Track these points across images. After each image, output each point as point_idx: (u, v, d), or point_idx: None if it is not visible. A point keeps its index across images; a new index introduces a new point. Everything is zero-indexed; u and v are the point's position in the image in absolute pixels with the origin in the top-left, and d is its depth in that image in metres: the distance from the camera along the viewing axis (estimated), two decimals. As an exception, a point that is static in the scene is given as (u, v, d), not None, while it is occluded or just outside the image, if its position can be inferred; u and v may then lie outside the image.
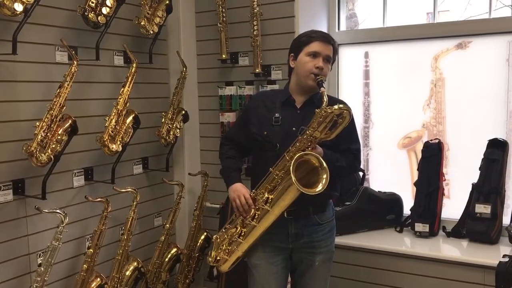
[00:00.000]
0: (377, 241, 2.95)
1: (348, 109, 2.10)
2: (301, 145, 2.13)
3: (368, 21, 3.46)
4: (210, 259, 2.36)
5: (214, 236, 2.40)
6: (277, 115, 2.30)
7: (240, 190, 2.27)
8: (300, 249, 2.34)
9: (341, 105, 2.10)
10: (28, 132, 2.37)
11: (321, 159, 2.12)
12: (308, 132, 2.11)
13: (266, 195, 2.17)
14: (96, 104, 2.80)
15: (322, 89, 2.17)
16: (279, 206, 2.16)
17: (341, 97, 3.41)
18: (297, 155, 2.09)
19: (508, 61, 2.95)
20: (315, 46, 2.26)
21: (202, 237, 3.33)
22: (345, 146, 2.31)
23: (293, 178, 2.05)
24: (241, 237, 2.25)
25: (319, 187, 2.09)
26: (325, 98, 2.10)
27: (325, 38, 2.30)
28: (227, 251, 2.30)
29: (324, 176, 2.10)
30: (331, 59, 2.31)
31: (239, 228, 2.27)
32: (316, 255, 2.35)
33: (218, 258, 2.33)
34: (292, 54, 2.35)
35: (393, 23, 3.25)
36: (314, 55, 2.26)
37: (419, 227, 2.96)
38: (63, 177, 2.64)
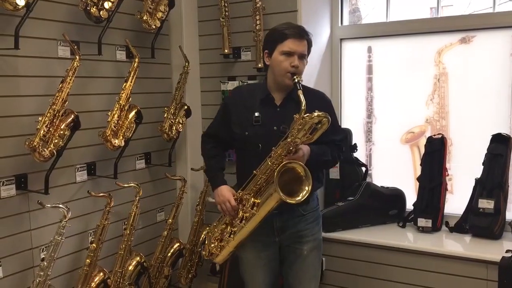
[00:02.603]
0: (380, 236, 2.94)
1: (327, 116, 2.10)
2: (283, 150, 2.16)
3: (371, 16, 3.44)
4: (204, 252, 2.50)
5: (206, 228, 2.54)
6: (257, 114, 2.32)
7: (225, 195, 2.34)
8: (287, 240, 2.42)
9: (320, 113, 2.08)
10: (31, 127, 2.37)
11: (307, 169, 2.16)
12: (289, 140, 2.14)
13: (252, 200, 2.26)
14: (98, 99, 2.79)
15: (299, 91, 2.16)
16: (265, 210, 2.25)
17: (344, 93, 3.42)
18: (281, 165, 2.15)
19: (512, 56, 2.94)
20: (289, 45, 2.24)
21: (205, 232, 3.32)
22: (328, 138, 2.33)
23: (278, 189, 2.12)
24: (231, 236, 2.35)
25: (299, 197, 2.17)
26: (303, 101, 2.10)
27: (299, 34, 2.27)
28: (219, 247, 2.40)
29: (306, 188, 2.17)
30: (306, 55, 2.30)
31: (228, 227, 2.36)
32: (303, 244, 2.41)
33: (211, 252, 2.44)
34: (266, 51, 2.34)
35: (396, 17, 3.24)
36: (289, 53, 2.24)
37: (422, 222, 2.95)
38: (66, 172, 2.64)
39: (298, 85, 2.19)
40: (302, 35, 2.27)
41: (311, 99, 2.18)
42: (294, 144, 2.14)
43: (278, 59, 2.26)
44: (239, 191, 2.33)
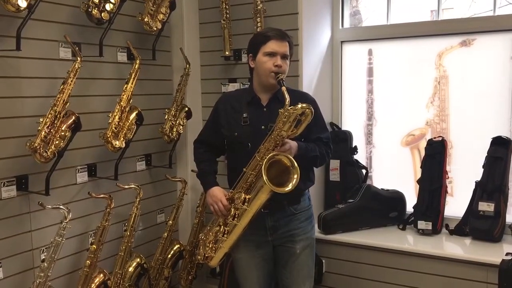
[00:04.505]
0: (380, 238, 2.94)
1: (310, 108, 2.19)
2: (270, 144, 2.23)
3: (372, 18, 3.45)
4: (199, 257, 2.50)
5: (200, 234, 2.56)
6: (245, 115, 2.41)
7: (217, 196, 2.39)
8: (280, 239, 2.46)
9: (303, 104, 2.18)
10: (32, 128, 2.37)
11: (292, 160, 2.22)
12: (275, 133, 2.21)
13: (243, 196, 2.29)
14: (99, 101, 2.80)
15: (283, 88, 2.25)
16: (256, 204, 2.28)
17: (344, 95, 3.42)
18: (268, 156, 2.20)
19: (512, 59, 2.95)
20: (271, 46, 2.35)
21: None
22: (315, 136, 2.43)
23: (265, 179, 2.16)
24: (225, 236, 2.37)
25: (289, 187, 2.21)
26: (287, 97, 2.19)
27: (280, 36, 2.38)
28: (213, 249, 2.43)
29: (295, 176, 2.21)
30: (288, 55, 2.40)
31: (222, 227, 2.38)
32: (296, 243, 2.46)
33: (206, 255, 2.45)
34: (250, 54, 2.45)
35: (397, 20, 3.25)
36: (272, 54, 2.35)
37: (422, 224, 2.95)
38: (67, 173, 2.64)
39: (282, 82, 2.29)
40: (283, 36, 2.39)
41: (295, 98, 2.25)
42: (281, 137, 2.21)
43: (261, 60, 2.37)
44: (230, 190, 2.38)
